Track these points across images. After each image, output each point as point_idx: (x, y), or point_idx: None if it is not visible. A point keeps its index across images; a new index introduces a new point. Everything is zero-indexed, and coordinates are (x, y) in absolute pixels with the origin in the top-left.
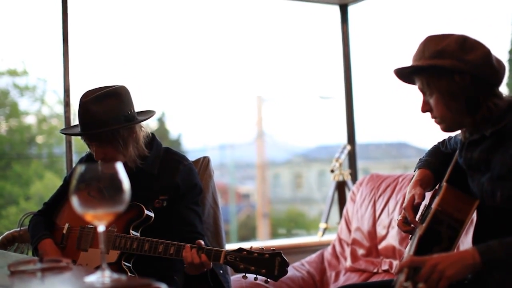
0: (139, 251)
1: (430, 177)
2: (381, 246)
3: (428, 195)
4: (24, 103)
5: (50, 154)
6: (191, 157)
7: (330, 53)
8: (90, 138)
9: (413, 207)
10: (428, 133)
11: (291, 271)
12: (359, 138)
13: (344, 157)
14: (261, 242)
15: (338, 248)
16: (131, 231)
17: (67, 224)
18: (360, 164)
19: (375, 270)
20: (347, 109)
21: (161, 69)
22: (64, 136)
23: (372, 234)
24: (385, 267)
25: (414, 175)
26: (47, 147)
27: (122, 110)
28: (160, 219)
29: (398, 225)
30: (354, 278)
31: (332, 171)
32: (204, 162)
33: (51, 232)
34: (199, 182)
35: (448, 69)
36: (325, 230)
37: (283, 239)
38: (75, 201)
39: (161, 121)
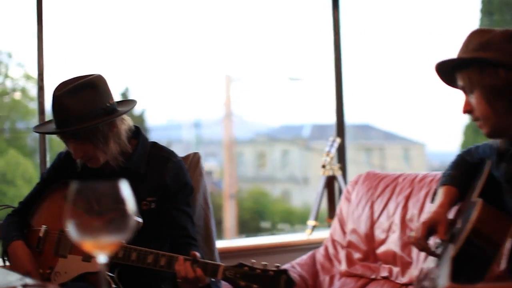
0: (125, 261)
1: (457, 196)
2: (379, 250)
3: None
4: None
5: (13, 130)
6: (157, 136)
7: (303, 35)
8: (66, 135)
9: (429, 228)
10: (392, 117)
11: None
12: (324, 119)
13: (334, 151)
14: (245, 240)
15: (331, 250)
16: None
17: (43, 227)
18: (324, 145)
19: (373, 276)
20: (337, 101)
21: (128, 44)
22: (30, 111)
23: (369, 237)
24: (384, 273)
25: (439, 192)
26: (10, 122)
27: (100, 103)
28: (148, 223)
29: (412, 242)
30: (351, 284)
31: (324, 166)
32: (194, 159)
33: (25, 234)
34: (190, 181)
35: (492, 62)
36: (314, 227)
37: (267, 236)
38: (71, 227)
39: (124, 96)
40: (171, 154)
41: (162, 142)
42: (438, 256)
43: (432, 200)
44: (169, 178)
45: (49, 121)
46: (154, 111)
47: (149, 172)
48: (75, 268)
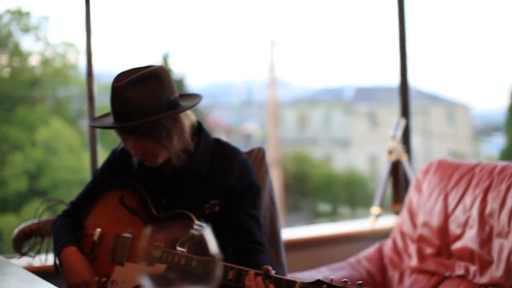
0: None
1: None
2: (454, 246)
3: None
4: (26, 43)
5: (55, 98)
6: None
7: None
8: (126, 130)
9: None
10: (436, 78)
11: (347, 270)
12: (365, 81)
13: (400, 134)
14: (304, 230)
15: (399, 243)
16: (177, 248)
17: (98, 230)
18: (365, 108)
19: (447, 274)
20: (401, 80)
21: (168, 7)
22: (70, 78)
23: (443, 231)
24: (460, 272)
25: None
26: (51, 90)
27: (163, 96)
28: (211, 227)
29: None
30: (423, 282)
31: (390, 152)
32: (259, 155)
33: (78, 238)
34: (257, 180)
35: None
36: (378, 216)
37: (328, 225)
38: (147, 282)
39: (165, 61)
40: (236, 151)
41: (205, 104)
42: None
43: None
44: (234, 179)
45: (106, 114)
46: (195, 74)
47: (212, 172)
48: (133, 278)
